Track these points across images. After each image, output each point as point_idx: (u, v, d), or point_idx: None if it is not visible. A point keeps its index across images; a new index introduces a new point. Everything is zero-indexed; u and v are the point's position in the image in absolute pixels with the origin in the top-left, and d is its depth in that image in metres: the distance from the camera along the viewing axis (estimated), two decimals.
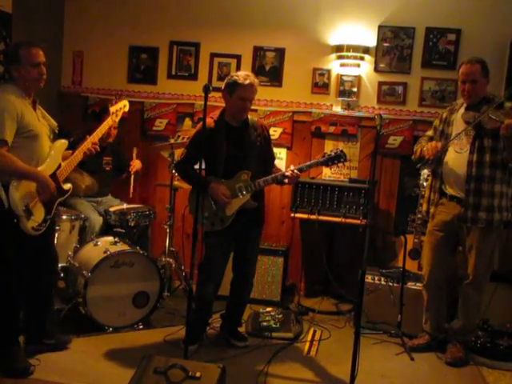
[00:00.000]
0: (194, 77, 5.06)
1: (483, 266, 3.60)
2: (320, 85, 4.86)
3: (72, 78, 5.27)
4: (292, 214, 4.58)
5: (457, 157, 3.58)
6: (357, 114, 4.82)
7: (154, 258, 4.19)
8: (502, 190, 3.53)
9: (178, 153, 3.95)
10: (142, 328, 3.90)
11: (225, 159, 3.48)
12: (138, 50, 5.12)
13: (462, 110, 3.63)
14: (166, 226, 4.56)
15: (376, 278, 4.18)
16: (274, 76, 4.94)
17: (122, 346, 3.62)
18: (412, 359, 3.69)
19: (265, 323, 3.99)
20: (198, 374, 2.52)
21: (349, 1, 4.74)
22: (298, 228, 4.94)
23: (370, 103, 4.82)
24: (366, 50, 4.71)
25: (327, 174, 4.86)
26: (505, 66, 4.44)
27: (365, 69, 4.78)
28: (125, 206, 4.47)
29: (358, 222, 4.43)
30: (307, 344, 3.85)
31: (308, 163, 3.55)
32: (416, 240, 4.09)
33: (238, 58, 4.96)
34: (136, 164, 4.70)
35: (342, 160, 3.48)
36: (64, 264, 4.02)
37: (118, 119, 3.62)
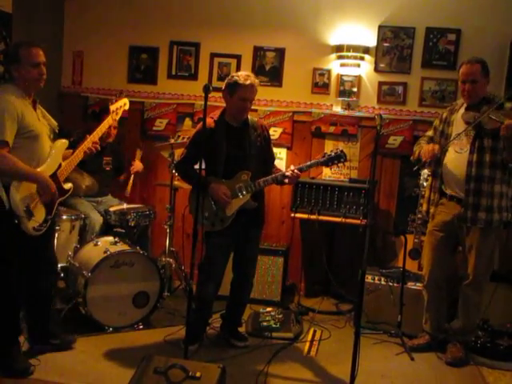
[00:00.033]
0: (194, 77, 5.06)
1: (483, 266, 3.60)
2: (320, 85, 4.87)
3: (72, 78, 5.27)
4: (292, 214, 4.58)
5: (457, 157, 3.58)
6: (357, 113, 4.82)
7: (154, 257, 4.19)
8: (502, 191, 3.53)
9: (178, 153, 3.95)
10: (142, 328, 3.90)
11: (225, 159, 3.48)
12: (138, 50, 5.12)
13: (462, 110, 3.63)
14: (166, 226, 4.56)
15: (376, 278, 4.18)
16: (274, 76, 4.94)
17: (122, 345, 3.62)
18: (412, 359, 3.69)
19: (265, 323, 3.99)
20: (198, 374, 2.52)
21: (349, 1, 4.74)
22: (298, 228, 4.94)
23: (370, 103, 4.82)
24: (366, 50, 4.71)
25: (327, 173, 4.86)
26: (505, 66, 4.44)
27: (365, 69, 4.78)
28: (125, 205, 4.47)
29: (358, 222, 4.43)
30: (307, 344, 3.85)
31: (308, 163, 3.55)
32: (416, 240, 4.09)
33: (238, 58, 4.96)
34: (137, 165, 4.70)
35: (342, 160, 3.49)
36: (64, 264, 4.02)
37: (118, 117, 3.61)
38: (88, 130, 3.68)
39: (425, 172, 3.97)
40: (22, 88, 3.06)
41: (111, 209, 4.37)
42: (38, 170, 3.09)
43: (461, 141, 3.57)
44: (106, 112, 3.71)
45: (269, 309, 4.26)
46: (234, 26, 4.94)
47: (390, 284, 4.12)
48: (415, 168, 3.71)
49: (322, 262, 4.61)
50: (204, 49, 5.01)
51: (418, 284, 4.02)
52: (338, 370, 3.40)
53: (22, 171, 2.99)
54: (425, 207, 3.87)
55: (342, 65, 4.77)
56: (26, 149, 3.04)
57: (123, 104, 3.65)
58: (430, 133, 3.88)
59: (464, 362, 3.67)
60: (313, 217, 4.50)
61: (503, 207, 3.55)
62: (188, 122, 5.09)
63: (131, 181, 4.67)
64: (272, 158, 3.77)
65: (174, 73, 5.10)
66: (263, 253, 4.43)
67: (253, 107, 3.67)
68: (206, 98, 3.01)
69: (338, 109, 4.86)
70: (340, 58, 4.74)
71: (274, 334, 3.88)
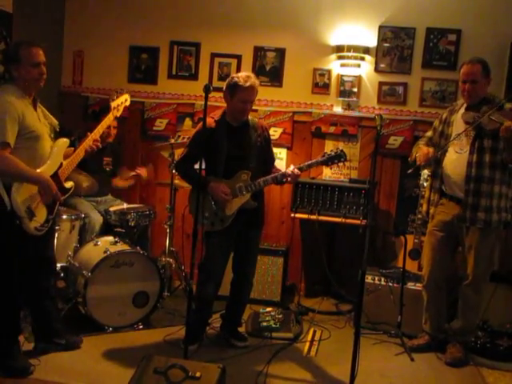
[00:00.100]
0: (194, 77, 5.06)
1: (482, 266, 3.60)
2: (320, 85, 4.86)
3: (72, 78, 5.27)
4: (292, 214, 4.58)
5: (457, 157, 3.58)
6: (357, 114, 4.82)
7: (154, 257, 4.19)
8: (502, 191, 3.53)
9: (178, 153, 3.95)
10: (141, 328, 3.90)
11: (225, 159, 3.48)
12: (139, 50, 5.12)
13: (462, 111, 3.63)
14: (166, 226, 4.56)
15: (376, 279, 4.18)
16: (275, 76, 4.94)
17: (122, 345, 3.63)
18: (412, 359, 3.69)
19: (265, 323, 3.99)
20: (197, 374, 2.52)
21: (349, 1, 4.74)
22: (298, 228, 4.94)
23: (371, 103, 4.82)
24: (367, 51, 4.70)
25: (327, 174, 4.86)
26: (505, 66, 4.45)
27: (365, 69, 4.78)
28: (125, 205, 4.47)
29: (358, 222, 4.44)
30: (307, 344, 3.85)
31: (308, 163, 3.56)
32: (416, 240, 4.09)
33: (239, 58, 4.96)
34: (143, 172, 4.70)
35: (342, 159, 3.49)
36: (64, 264, 4.02)
37: (119, 114, 3.57)
38: (88, 129, 3.68)
39: (425, 172, 3.98)
40: (22, 88, 3.06)
41: (111, 209, 4.37)
42: (39, 170, 3.09)
43: (461, 141, 3.57)
44: (106, 111, 3.70)
45: (269, 309, 4.26)
46: (234, 26, 4.94)
47: (390, 284, 4.12)
48: (410, 170, 3.73)
49: (321, 262, 4.61)
50: (204, 49, 5.01)
51: (417, 284, 4.02)
52: (338, 370, 3.41)
53: (23, 173, 2.99)
54: (425, 207, 3.88)
55: (343, 65, 4.77)
56: (27, 149, 3.04)
57: (124, 100, 3.61)
58: (429, 133, 3.89)
59: (464, 362, 3.67)
60: (313, 217, 4.50)
61: (502, 208, 3.55)
62: (188, 122, 5.09)
63: (129, 180, 4.68)
64: (272, 158, 3.77)
65: (174, 73, 5.10)
66: (263, 253, 4.43)
67: (253, 107, 3.67)
68: (206, 98, 3.01)
69: (338, 109, 4.86)
70: (340, 58, 4.74)
71: (274, 334, 3.88)
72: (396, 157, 4.79)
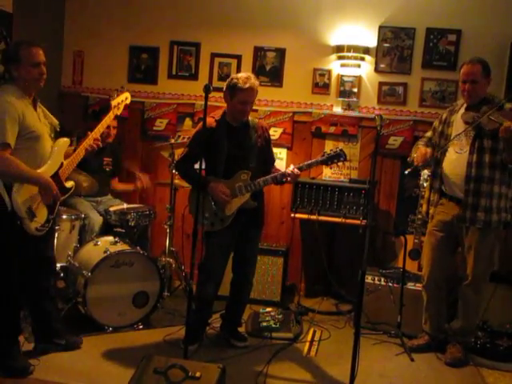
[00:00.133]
0: (194, 77, 5.06)
1: (482, 266, 3.60)
2: (320, 85, 4.87)
3: (72, 78, 5.27)
4: (292, 214, 4.58)
5: (457, 157, 3.58)
6: (357, 114, 4.82)
7: (154, 257, 4.19)
8: (501, 191, 3.53)
9: (179, 153, 3.95)
10: (141, 328, 3.90)
11: (225, 159, 3.48)
12: (139, 50, 5.12)
13: (462, 111, 3.63)
14: (166, 226, 4.56)
15: (376, 279, 4.18)
16: (275, 76, 4.94)
17: (122, 345, 3.63)
18: (412, 360, 3.69)
19: (265, 323, 3.99)
20: (197, 374, 2.52)
21: (349, 1, 4.74)
22: (298, 228, 4.94)
23: (371, 103, 4.82)
24: (367, 51, 4.71)
25: (327, 174, 4.86)
26: (505, 66, 4.45)
27: (365, 69, 4.78)
28: (125, 205, 4.47)
29: (358, 222, 4.44)
30: (307, 344, 3.85)
31: (308, 162, 3.56)
32: (416, 240, 4.09)
33: (239, 58, 4.96)
34: (146, 182, 4.72)
35: (341, 159, 3.49)
36: (64, 264, 4.02)
37: (119, 112, 3.56)
38: (88, 129, 3.67)
39: (425, 172, 3.97)
40: (22, 88, 3.05)
41: (111, 209, 4.37)
42: (40, 170, 3.09)
43: (461, 141, 3.58)
44: (106, 111, 3.70)
45: (268, 309, 4.26)
46: (234, 26, 4.94)
47: (390, 284, 4.12)
48: (407, 170, 3.73)
49: (321, 262, 4.61)
50: (204, 49, 5.01)
51: (417, 284, 4.02)
52: (338, 370, 3.41)
53: (23, 173, 2.99)
54: (424, 208, 3.88)
55: (343, 65, 4.77)
56: (27, 150, 3.04)
57: (125, 98, 3.60)
58: (428, 134, 3.89)
59: (463, 362, 3.67)
60: (313, 217, 4.50)
61: (502, 208, 3.55)
62: (188, 122, 5.09)
63: (128, 185, 4.70)
64: (272, 158, 3.77)
65: (174, 73, 5.10)
66: (263, 253, 4.43)
67: (253, 107, 3.67)
68: (206, 98, 3.00)
69: (338, 109, 4.86)
70: (340, 58, 4.75)
71: (274, 335, 3.88)
72: (396, 157, 4.79)
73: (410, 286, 4.06)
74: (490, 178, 3.49)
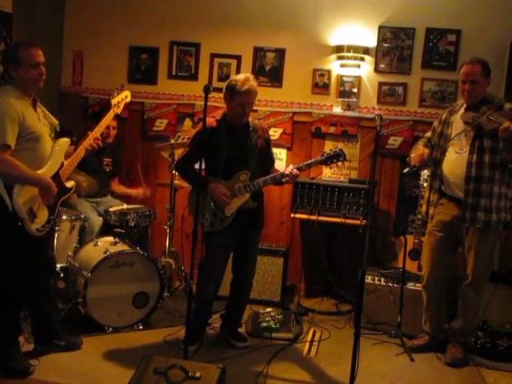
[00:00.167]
0: (194, 77, 5.06)
1: (482, 266, 3.60)
2: (320, 85, 4.87)
3: (72, 78, 5.27)
4: (292, 215, 4.58)
5: (457, 157, 3.59)
6: (357, 114, 4.82)
7: (153, 258, 4.19)
8: (501, 191, 3.54)
9: (178, 153, 3.95)
10: (141, 328, 3.90)
11: (225, 159, 3.48)
12: (139, 50, 5.12)
13: (461, 111, 3.63)
14: (166, 227, 4.56)
15: (376, 279, 4.18)
16: (275, 76, 4.94)
17: (122, 346, 3.63)
18: (412, 360, 3.69)
19: (265, 324, 3.99)
20: (197, 375, 2.52)
21: (349, 1, 4.74)
22: (297, 228, 4.94)
23: (370, 104, 4.82)
24: (366, 51, 4.71)
25: (327, 174, 4.86)
26: (505, 66, 4.44)
27: (365, 69, 4.79)
28: (125, 206, 4.47)
29: (358, 222, 4.44)
30: (307, 344, 3.85)
31: (307, 162, 3.56)
32: (416, 240, 4.09)
33: (239, 58, 4.96)
34: (144, 193, 4.73)
35: (341, 159, 3.49)
36: (64, 264, 4.02)
37: (120, 111, 3.55)
38: (88, 129, 3.67)
39: (425, 173, 3.97)
40: (21, 89, 3.05)
41: (111, 209, 4.37)
42: (40, 171, 3.09)
43: (460, 141, 3.58)
44: (106, 112, 3.69)
45: (268, 309, 4.26)
46: (234, 26, 4.94)
47: (390, 284, 4.12)
48: (404, 170, 3.73)
49: (321, 262, 4.62)
50: (204, 49, 5.01)
51: (417, 284, 4.02)
52: (338, 370, 3.40)
53: (23, 175, 2.99)
54: (424, 208, 3.88)
55: (342, 65, 4.77)
56: (27, 150, 3.04)
57: (125, 97, 3.59)
58: (428, 134, 3.90)
59: (464, 362, 3.67)
60: (313, 217, 4.50)
61: (502, 208, 3.55)
62: (188, 122, 5.09)
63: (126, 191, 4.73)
64: (272, 160, 3.77)
65: (174, 73, 5.10)
66: (263, 253, 4.43)
67: (253, 107, 3.66)
68: (206, 99, 3.00)
69: (338, 109, 4.86)
70: (340, 58, 4.75)
71: (274, 335, 3.88)
72: (396, 157, 4.78)
73: (410, 286, 4.06)
74: (489, 178, 3.49)
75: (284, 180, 3.52)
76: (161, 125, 5.11)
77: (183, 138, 4.95)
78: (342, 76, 4.80)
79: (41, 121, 3.16)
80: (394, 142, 4.76)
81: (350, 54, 4.67)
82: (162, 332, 3.83)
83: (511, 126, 3.25)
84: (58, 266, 3.87)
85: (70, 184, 3.32)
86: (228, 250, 3.64)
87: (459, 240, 3.68)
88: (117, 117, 4.38)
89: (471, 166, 3.50)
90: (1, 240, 3.06)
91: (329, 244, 4.79)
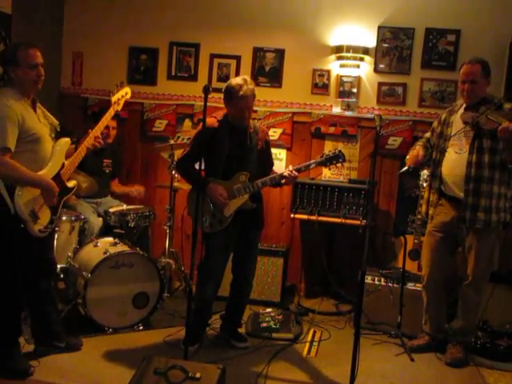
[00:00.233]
0: (193, 78, 5.06)
1: (482, 266, 3.60)
2: (320, 85, 4.87)
3: (72, 79, 5.27)
4: (292, 215, 4.58)
5: (456, 157, 3.58)
6: (356, 114, 4.82)
7: (153, 258, 4.19)
8: (501, 191, 3.53)
9: (178, 154, 3.94)
10: (141, 329, 3.90)
11: (225, 159, 3.49)
12: (138, 51, 5.13)
13: (461, 111, 3.63)
14: (165, 227, 4.56)
15: (376, 279, 4.18)
16: (274, 77, 4.94)
17: (122, 346, 3.62)
18: (412, 360, 3.69)
19: (265, 324, 3.99)
20: (197, 375, 2.52)
21: (348, 1, 4.74)
22: (297, 229, 4.94)
23: (370, 104, 4.82)
24: (366, 51, 4.71)
25: (327, 174, 4.86)
26: (504, 66, 4.44)
27: (364, 69, 4.79)
28: (124, 206, 4.46)
29: (358, 222, 4.43)
30: (307, 345, 3.85)
31: (306, 163, 3.55)
32: (416, 241, 4.10)
33: (238, 58, 4.96)
34: (140, 193, 4.74)
35: (340, 160, 3.48)
36: (64, 265, 4.02)
37: (120, 108, 3.53)
38: (89, 129, 3.66)
39: (424, 173, 3.98)
40: (20, 90, 3.05)
41: (111, 210, 4.37)
42: (41, 172, 3.09)
43: (460, 141, 3.58)
44: (106, 112, 3.69)
45: (268, 309, 4.26)
46: (233, 26, 4.94)
47: (390, 285, 4.12)
48: (399, 172, 3.74)
49: (321, 262, 4.62)
50: (204, 50, 5.02)
51: (417, 285, 4.01)
52: (338, 370, 3.40)
53: (24, 177, 2.99)
54: (424, 208, 3.87)
55: (342, 65, 4.77)
56: (28, 152, 3.04)
57: (125, 93, 3.56)
58: (427, 134, 3.90)
59: (464, 362, 3.67)
60: (312, 217, 4.50)
61: (501, 208, 3.55)
62: (188, 122, 5.09)
63: (125, 190, 4.73)
64: (271, 162, 3.78)
65: (173, 74, 5.10)
66: (263, 254, 4.43)
67: (253, 107, 3.66)
68: (205, 99, 3.01)
69: (337, 109, 4.86)
70: (339, 58, 4.75)
71: (274, 335, 3.89)
72: (395, 157, 4.78)
73: (410, 286, 4.06)
74: (489, 178, 3.49)
75: (283, 181, 3.53)
76: (160, 125, 5.12)
77: (183, 139, 4.95)
78: (341, 76, 4.80)
79: (41, 121, 3.16)
80: (394, 142, 4.77)
81: (349, 55, 4.68)
82: (162, 332, 3.83)
83: (510, 125, 3.25)
84: (58, 266, 3.87)
85: (71, 184, 3.32)
86: (227, 251, 3.64)
87: (459, 240, 3.68)
88: (117, 117, 4.39)
89: (471, 166, 3.50)
90: (3, 241, 3.07)
91: (329, 244, 4.79)
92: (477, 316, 3.76)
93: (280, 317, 4.09)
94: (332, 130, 4.85)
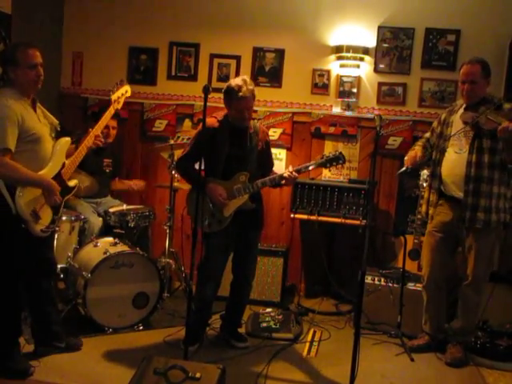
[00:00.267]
0: (193, 78, 5.06)
1: (482, 266, 3.60)
2: (320, 85, 4.87)
3: (72, 79, 5.27)
4: (292, 215, 4.58)
5: (456, 157, 3.59)
6: (356, 114, 4.82)
7: (153, 258, 4.19)
8: (500, 191, 3.54)
9: (178, 154, 3.94)
10: (141, 329, 3.90)
11: (225, 159, 3.49)
12: (138, 51, 5.12)
13: (461, 111, 3.63)
14: (165, 227, 4.56)
15: (376, 279, 4.18)
16: (274, 77, 4.94)
17: (122, 346, 3.62)
18: (412, 360, 3.69)
19: (265, 324, 3.99)
20: (197, 375, 2.52)
21: (348, 1, 4.74)
22: (297, 229, 4.94)
23: (370, 104, 4.82)
24: (366, 51, 4.71)
25: (327, 174, 4.86)
26: (504, 66, 4.44)
27: (364, 69, 4.79)
28: (124, 206, 4.46)
29: (358, 222, 4.43)
30: (307, 345, 3.85)
31: (306, 164, 3.55)
32: (416, 241, 4.10)
33: (238, 58, 4.96)
34: (139, 185, 4.75)
35: (340, 162, 3.48)
36: (64, 265, 4.02)
37: (120, 106, 3.52)
38: (89, 128, 3.66)
39: (424, 173, 3.98)
40: (19, 90, 3.04)
41: (111, 210, 4.37)
42: (42, 172, 3.09)
43: (460, 141, 3.58)
44: (106, 110, 3.68)
45: (268, 309, 4.26)
46: (233, 26, 4.94)
47: (390, 285, 4.12)
48: (398, 172, 3.74)
49: (321, 262, 4.62)
50: (203, 50, 5.02)
51: (417, 284, 4.01)
52: (338, 370, 3.40)
53: (24, 177, 2.99)
54: (424, 208, 3.87)
55: (342, 65, 4.77)
56: (28, 152, 3.04)
57: (125, 91, 3.55)
58: (427, 134, 3.90)
59: (464, 362, 3.67)
60: (312, 217, 4.50)
61: (501, 208, 3.55)
62: (188, 122, 5.09)
63: (124, 186, 4.72)
64: (271, 163, 3.78)
65: (173, 74, 5.10)
66: (263, 254, 4.43)
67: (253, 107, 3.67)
68: (205, 99, 3.01)
69: (337, 109, 4.86)
70: (339, 58, 4.75)
71: (274, 335, 3.88)
72: (395, 157, 4.78)
73: (410, 286, 4.06)
74: (489, 178, 3.49)
75: (283, 182, 3.53)
76: (160, 125, 5.12)
77: (183, 139, 4.95)
78: (341, 76, 4.80)
79: (41, 121, 3.16)
80: (394, 142, 4.77)
81: (349, 54, 4.68)
82: (162, 332, 3.83)
83: (510, 125, 3.25)
84: (58, 266, 3.86)
85: (72, 183, 3.32)
86: (227, 251, 3.64)
87: (459, 240, 3.68)
88: (117, 116, 4.40)
89: (470, 166, 3.50)
90: (4, 242, 3.06)
91: (329, 244, 4.79)
92: (476, 316, 3.76)
93: (280, 317, 4.09)
94: (332, 130, 4.85)
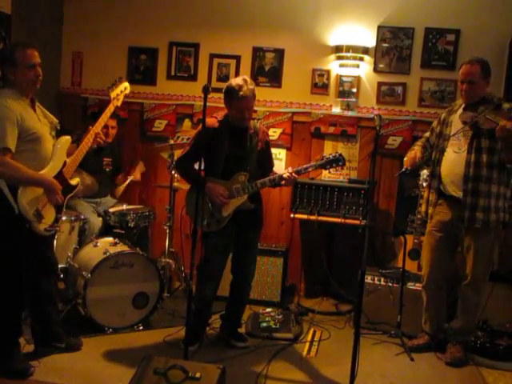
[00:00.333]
0: (193, 78, 5.06)
1: (481, 266, 3.60)
2: (319, 85, 4.87)
3: (71, 79, 5.27)
4: (292, 215, 4.58)
5: (455, 157, 3.59)
6: (356, 114, 4.82)
7: (153, 258, 4.19)
8: (499, 191, 3.54)
9: (178, 154, 3.95)
10: (141, 329, 3.90)
11: (225, 159, 3.48)
12: (138, 51, 5.13)
13: (460, 111, 3.63)
14: (165, 227, 4.56)
15: (376, 279, 4.18)
16: (274, 77, 4.94)
17: (122, 346, 3.63)
18: (412, 359, 3.69)
19: (264, 324, 4.00)
20: (197, 375, 2.52)
21: (348, 1, 4.75)
22: (297, 228, 4.94)
23: (370, 104, 4.82)
24: (366, 51, 4.71)
25: (327, 174, 4.84)
26: (504, 66, 4.45)
27: (364, 69, 4.79)
28: (124, 206, 4.47)
29: (358, 222, 4.44)
30: (307, 344, 3.85)
31: (306, 166, 3.55)
32: (416, 240, 4.10)
33: (238, 58, 4.96)
34: (136, 175, 4.72)
35: (340, 163, 3.47)
36: (64, 265, 4.02)
37: (119, 103, 3.50)
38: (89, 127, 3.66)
39: (424, 172, 3.98)
40: (18, 90, 3.04)
41: (111, 210, 4.37)
42: (43, 171, 3.09)
43: (459, 141, 3.58)
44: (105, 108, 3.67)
45: (268, 309, 4.26)
46: (233, 26, 4.94)
47: (390, 284, 4.13)
48: (396, 174, 3.74)
49: (321, 262, 4.62)
50: (203, 49, 5.02)
51: (417, 284, 4.02)
52: (338, 370, 3.40)
53: (25, 176, 2.99)
54: (424, 208, 3.88)
55: (342, 65, 4.77)
56: (29, 151, 3.04)
57: (124, 88, 3.53)
58: (427, 134, 3.90)
59: (463, 362, 3.67)
60: (312, 217, 4.50)
61: (500, 207, 3.55)
62: (187, 122, 5.09)
63: (125, 184, 4.69)
64: (271, 163, 3.78)
65: (173, 74, 5.10)
66: (263, 253, 4.44)
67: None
68: (205, 99, 3.01)
69: (337, 109, 4.86)
70: (339, 58, 4.75)
71: (274, 335, 3.89)
72: (395, 157, 4.78)
73: (410, 285, 4.06)
74: (487, 177, 3.49)
75: (282, 183, 3.52)
76: (160, 125, 5.12)
77: (182, 139, 4.96)
78: (341, 76, 4.80)
79: (41, 120, 3.16)
80: (394, 141, 4.77)
81: (349, 54, 4.68)
82: (161, 332, 3.83)
83: (507, 124, 3.25)
84: (58, 266, 3.86)
85: (74, 181, 3.33)
86: (226, 251, 3.64)
87: (458, 240, 3.68)
88: (116, 116, 4.39)
89: (469, 165, 3.50)
90: (8, 241, 3.07)
91: (328, 244, 4.80)
92: (476, 316, 3.76)
93: (280, 317, 4.10)
94: (332, 129, 4.85)
